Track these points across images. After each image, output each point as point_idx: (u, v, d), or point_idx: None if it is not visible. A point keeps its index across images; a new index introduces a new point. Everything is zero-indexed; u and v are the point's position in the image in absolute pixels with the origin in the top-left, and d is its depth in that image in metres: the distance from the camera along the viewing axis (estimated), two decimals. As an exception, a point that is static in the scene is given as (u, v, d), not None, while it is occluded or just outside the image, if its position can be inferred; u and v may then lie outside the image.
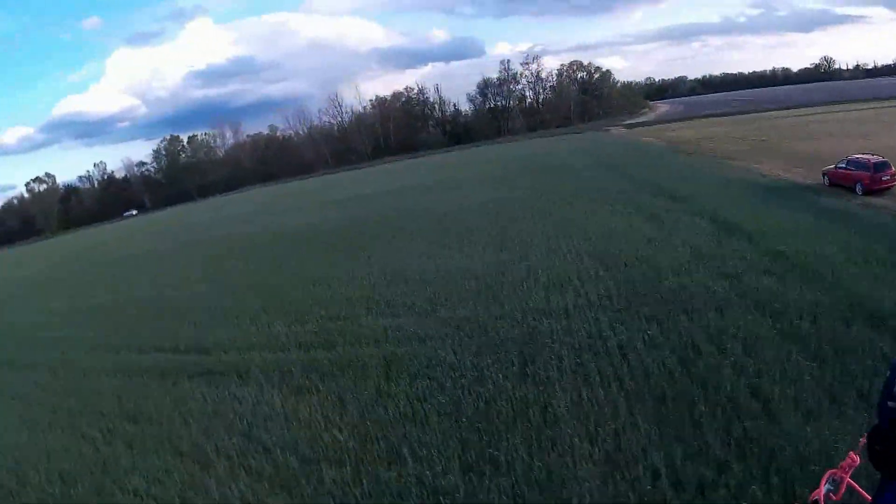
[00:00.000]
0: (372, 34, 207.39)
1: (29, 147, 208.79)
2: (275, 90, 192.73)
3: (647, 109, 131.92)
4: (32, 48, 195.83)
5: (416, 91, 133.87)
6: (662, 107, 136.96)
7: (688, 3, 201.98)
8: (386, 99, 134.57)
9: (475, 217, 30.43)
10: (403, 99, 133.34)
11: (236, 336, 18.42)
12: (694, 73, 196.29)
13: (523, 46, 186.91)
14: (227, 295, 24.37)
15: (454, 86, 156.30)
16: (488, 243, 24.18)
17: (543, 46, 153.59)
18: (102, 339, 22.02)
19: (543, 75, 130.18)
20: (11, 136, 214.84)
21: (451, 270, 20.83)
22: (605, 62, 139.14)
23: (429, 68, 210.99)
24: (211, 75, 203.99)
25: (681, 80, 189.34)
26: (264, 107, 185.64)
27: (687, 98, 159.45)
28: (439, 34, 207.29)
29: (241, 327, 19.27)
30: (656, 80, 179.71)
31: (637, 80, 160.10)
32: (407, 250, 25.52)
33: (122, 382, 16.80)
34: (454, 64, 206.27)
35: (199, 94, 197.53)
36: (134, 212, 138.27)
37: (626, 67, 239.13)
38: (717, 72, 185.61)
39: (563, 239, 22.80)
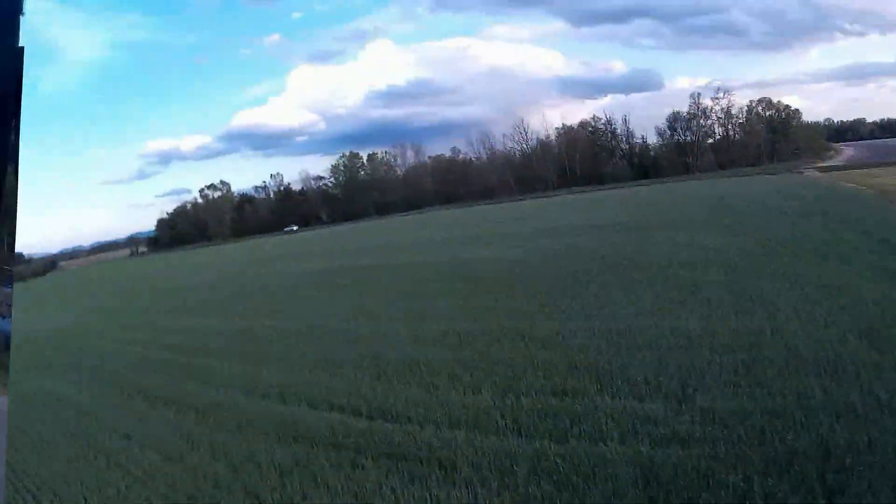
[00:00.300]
0: (552, 63, 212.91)
1: (205, 155, 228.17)
2: (454, 113, 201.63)
3: (832, 152, 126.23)
4: (213, 62, 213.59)
5: (603, 121, 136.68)
6: (847, 150, 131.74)
7: (863, 42, 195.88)
8: (572, 127, 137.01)
9: (693, 266, 25.91)
10: (590, 129, 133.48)
11: (431, 402, 14.18)
12: (871, 115, 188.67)
13: (701, 81, 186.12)
14: (415, 340, 20.48)
15: (633, 118, 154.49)
16: (721, 302, 19.65)
17: (721, 81, 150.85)
18: (265, 380, 18.85)
19: (734, 111, 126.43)
20: (189, 143, 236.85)
21: (689, 337, 16.32)
22: (784, 101, 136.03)
23: (608, 99, 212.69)
24: (391, 96, 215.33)
25: (859, 122, 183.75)
26: (443, 129, 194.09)
27: (870, 141, 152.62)
28: (618, 65, 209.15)
29: (438, 390, 15.03)
30: (835, 120, 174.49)
31: (818, 121, 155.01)
32: (625, 304, 20.89)
33: (286, 451, 13.18)
34: (633, 96, 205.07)
35: (379, 113, 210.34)
36: (294, 227, 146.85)
37: (804, 107, 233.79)
38: (894, 115, 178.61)
39: (810, 304, 18.13)
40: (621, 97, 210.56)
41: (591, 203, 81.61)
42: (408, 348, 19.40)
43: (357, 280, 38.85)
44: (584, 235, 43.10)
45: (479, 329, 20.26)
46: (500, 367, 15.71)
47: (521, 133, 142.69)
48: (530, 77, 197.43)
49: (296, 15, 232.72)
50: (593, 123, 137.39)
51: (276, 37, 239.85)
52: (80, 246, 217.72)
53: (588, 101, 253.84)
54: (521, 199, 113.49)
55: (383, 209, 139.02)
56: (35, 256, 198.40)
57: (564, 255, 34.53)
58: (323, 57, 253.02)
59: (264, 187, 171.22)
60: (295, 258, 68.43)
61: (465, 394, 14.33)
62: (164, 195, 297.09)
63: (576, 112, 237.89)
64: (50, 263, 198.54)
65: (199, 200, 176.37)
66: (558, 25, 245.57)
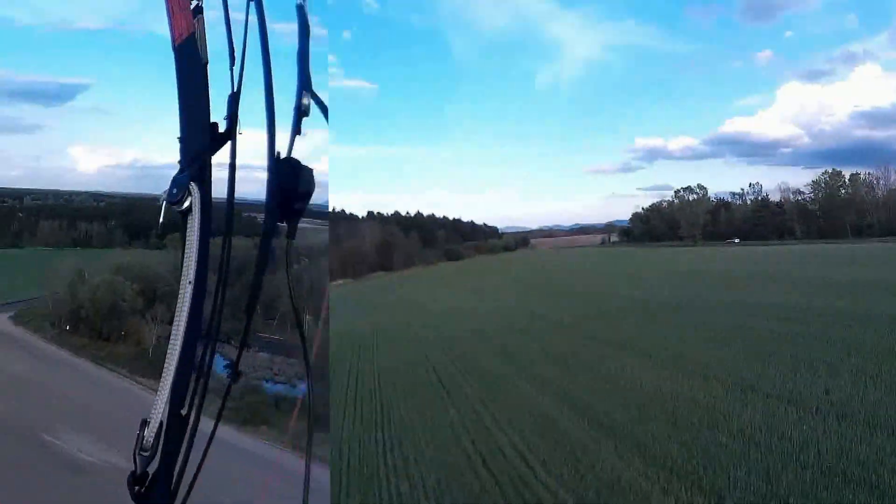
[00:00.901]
0: None
1: (689, 156, 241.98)
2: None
3: None
4: (706, 71, 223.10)
5: None
6: None
7: None
8: None
9: None
10: None
11: None
12: None
13: None
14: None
15: None
16: None
17: None
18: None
19: None
20: (676, 144, 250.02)
21: None
22: None
23: None
24: (875, 117, 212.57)
25: None
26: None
27: None
28: None
29: None
30: None
31: None
32: None
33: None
34: None
35: (863, 133, 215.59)
36: (736, 240, 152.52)
37: None
38: None
39: None
40: None
41: None
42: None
43: (836, 335, 30.80)
44: None
45: None
46: None
47: None
48: None
49: (788, 34, 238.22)
50: None
51: (768, 53, 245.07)
52: (558, 226, 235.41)
53: None
54: None
55: (859, 231, 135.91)
56: (509, 231, 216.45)
57: None
58: (812, 75, 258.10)
59: (741, 195, 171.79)
60: (771, 281, 60.98)
61: None
62: (645, 189, 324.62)
63: None
64: (521, 240, 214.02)
65: (675, 201, 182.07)
66: None
